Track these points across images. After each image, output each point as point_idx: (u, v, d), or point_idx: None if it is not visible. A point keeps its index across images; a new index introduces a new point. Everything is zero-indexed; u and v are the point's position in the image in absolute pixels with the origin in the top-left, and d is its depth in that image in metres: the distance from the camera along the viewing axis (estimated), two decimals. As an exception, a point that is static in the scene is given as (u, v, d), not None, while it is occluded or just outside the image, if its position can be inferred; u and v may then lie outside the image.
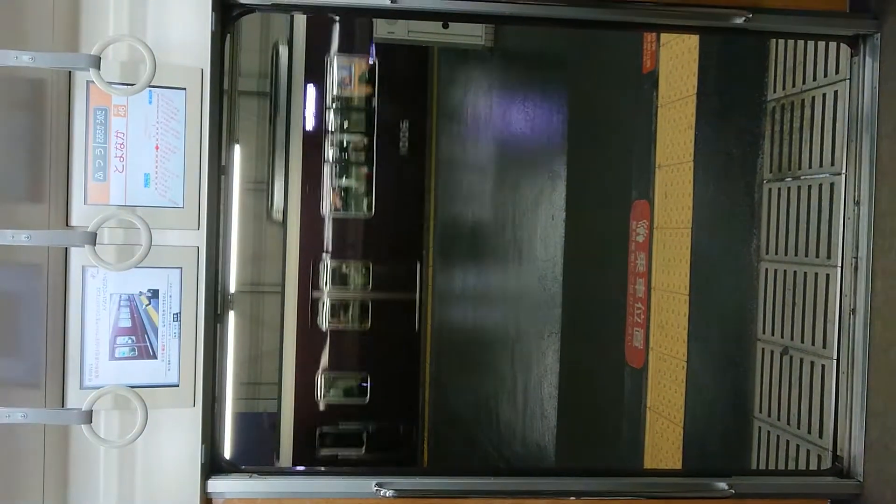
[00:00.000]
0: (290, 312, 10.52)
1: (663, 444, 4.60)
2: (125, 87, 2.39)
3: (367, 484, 2.67)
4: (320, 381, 10.70)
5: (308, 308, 10.46)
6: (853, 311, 2.88)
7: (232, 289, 4.65)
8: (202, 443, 2.58)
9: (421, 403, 10.76)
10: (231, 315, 4.73)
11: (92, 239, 2.25)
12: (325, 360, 10.74)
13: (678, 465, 4.43)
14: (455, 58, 9.07)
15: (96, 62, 2.23)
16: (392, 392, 10.91)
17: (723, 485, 2.76)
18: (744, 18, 2.73)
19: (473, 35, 8.25)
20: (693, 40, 4.34)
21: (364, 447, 10.86)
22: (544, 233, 6.54)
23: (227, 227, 4.17)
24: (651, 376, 4.78)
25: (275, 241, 10.31)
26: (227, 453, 4.58)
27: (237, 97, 9.80)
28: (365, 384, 10.37)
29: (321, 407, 10.81)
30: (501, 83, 8.51)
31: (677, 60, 4.53)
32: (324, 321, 10.49)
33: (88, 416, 2.24)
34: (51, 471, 2.42)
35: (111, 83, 2.39)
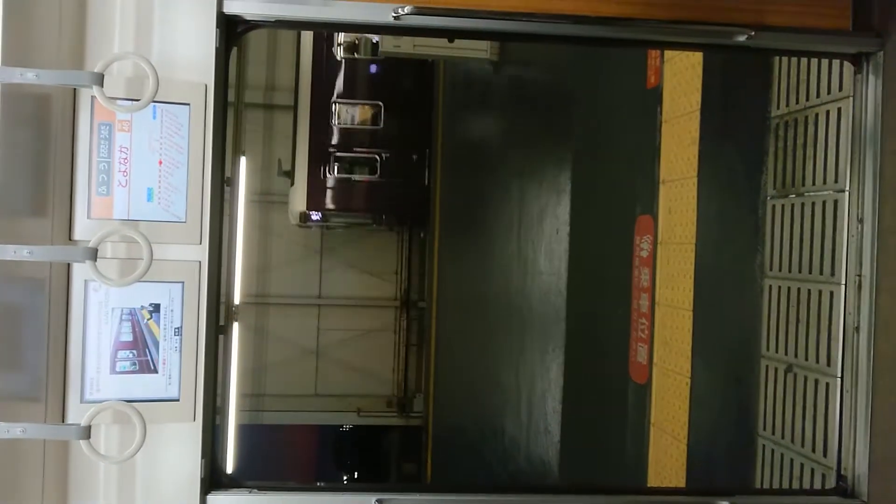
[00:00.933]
0: (306, 45, 10.45)
1: (667, 460, 4.57)
2: (129, 103, 2.41)
3: (367, 501, 2.66)
4: (335, 108, 10.66)
5: (323, 38, 10.42)
6: (857, 329, 2.86)
7: (237, 300, 4.63)
8: (202, 458, 2.57)
9: (433, 135, 10.69)
10: (235, 327, 4.69)
11: (93, 255, 2.26)
12: (338, 87, 10.72)
13: (682, 482, 4.41)
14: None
15: (99, 79, 2.24)
16: (405, 121, 10.91)
17: (725, 504, 2.74)
18: (746, 36, 2.73)
19: (479, 49, 8.29)
20: (696, 56, 4.35)
21: (378, 173, 10.86)
22: (548, 247, 6.54)
23: (232, 239, 4.16)
24: (655, 392, 4.76)
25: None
26: (230, 465, 4.55)
27: (244, 109, 9.85)
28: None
29: (336, 133, 10.78)
30: (506, 97, 8.53)
31: (681, 76, 4.54)
32: (338, 51, 10.43)
33: (87, 432, 2.23)
34: (50, 485, 2.42)
35: (116, 98, 2.41)
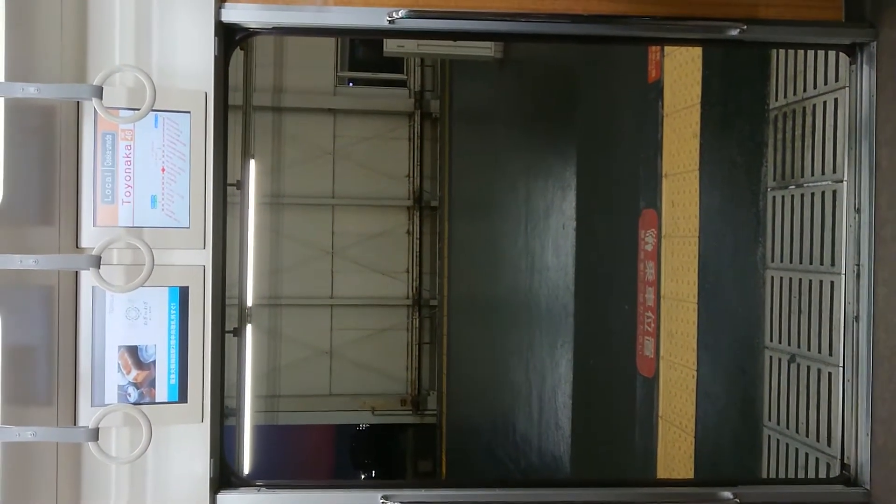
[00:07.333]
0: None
1: (675, 453, 4.59)
2: (130, 113, 2.46)
3: (374, 497, 2.71)
4: None
5: None
6: (856, 318, 2.88)
7: (250, 302, 4.66)
8: (211, 458, 2.63)
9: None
10: (249, 328, 4.72)
11: (97, 262, 2.31)
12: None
13: (690, 474, 4.43)
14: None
15: (98, 92, 2.29)
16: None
17: (728, 494, 2.76)
18: (739, 30, 2.75)
19: (483, 47, 8.32)
20: (696, 50, 4.36)
21: None
22: (555, 242, 6.56)
23: (243, 241, 4.20)
24: (662, 385, 4.78)
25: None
26: (247, 465, 4.60)
27: (252, 112, 9.92)
28: None
29: None
30: (511, 94, 8.55)
31: (681, 70, 4.55)
32: None
33: (95, 434, 2.29)
34: (63, 486, 2.49)
35: (118, 108, 2.47)
